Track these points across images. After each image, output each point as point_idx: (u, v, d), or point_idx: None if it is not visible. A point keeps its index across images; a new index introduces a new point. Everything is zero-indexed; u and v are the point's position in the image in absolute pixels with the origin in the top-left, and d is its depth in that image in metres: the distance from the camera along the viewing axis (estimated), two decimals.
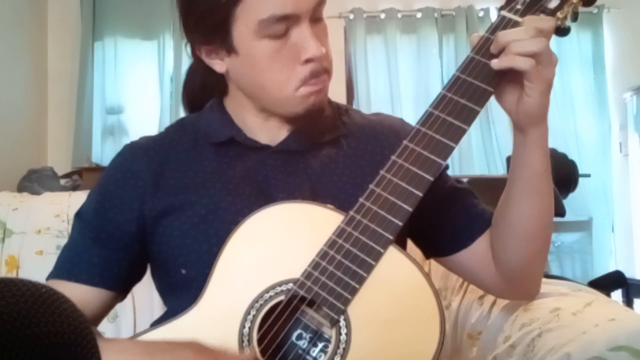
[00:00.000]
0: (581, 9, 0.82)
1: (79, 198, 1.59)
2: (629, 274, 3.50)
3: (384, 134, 0.86)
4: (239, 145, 0.92)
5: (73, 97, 3.74)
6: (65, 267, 0.91)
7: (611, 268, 3.80)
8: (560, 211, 2.99)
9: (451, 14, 3.94)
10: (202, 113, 0.98)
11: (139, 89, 3.83)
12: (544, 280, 1.31)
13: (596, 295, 1.15)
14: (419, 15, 3.94)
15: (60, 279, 0.90)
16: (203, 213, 0.87)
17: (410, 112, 3.88)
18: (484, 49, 0.78)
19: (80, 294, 0.88)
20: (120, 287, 0.93)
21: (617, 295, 3.44)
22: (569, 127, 3.88)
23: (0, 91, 3.26)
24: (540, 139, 0.80)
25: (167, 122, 3.71)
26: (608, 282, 3.34)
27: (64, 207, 1.55)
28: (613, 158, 3.91)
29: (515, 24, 0.78)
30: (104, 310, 0.93)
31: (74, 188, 3.05)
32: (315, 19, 0.86)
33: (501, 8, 0.81)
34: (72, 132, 3.70)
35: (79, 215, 0.94)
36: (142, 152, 0.93)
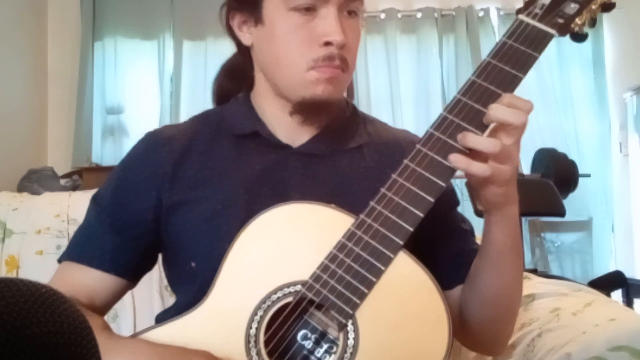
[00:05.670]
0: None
1: (79, 198, 1.59)
2: (629, 274, 3.50)
3: (408, 150, 0.86)
4: (260, 141, 0.92)
5: (73, 97, 3.74)
6: (78, 250, 0.91)
7: (611, 268, 3.80)
8: (560, 211, 2.99)
9: (451, 14, 3.94)
10: (228, 105, 0.98)
11: (139, 89, 3.83)
12: (544, 280, 1.31)
13: (596, 295, 1.15)
14: (419, 15, 3.94)
15: (72, 261, 0.91)
16: (218, 208, 0.87)
17: (410, 112, 3.88)
18: (500, 53, 0.77)
19: (91, 279, 0.89)
20: (131, 275, 0.93)
21: (617, 295, 3.45)
22: (569, 127, 3.88)
23: (0, 91, 3.26)
24: (503, 220, 0.80)
25: (167, 122, 3.73)
26: (608, 282, 3.34)
27: (64, 207, 1.54)
28: (613, 158, 3.91)
29: (533, 29, 0.77)
30: (114, 297, 0.93)
31: (74, 188, 3.05)
32: (349, 11, 0.87)
33: (519, 12, 0.80)
34: (72, 132, 3.70)
35: (95, 199, 0.94)
36: (165, 142, 0.93)
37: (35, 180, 3.08)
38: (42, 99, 3.74)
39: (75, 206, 1.55)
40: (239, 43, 0.94)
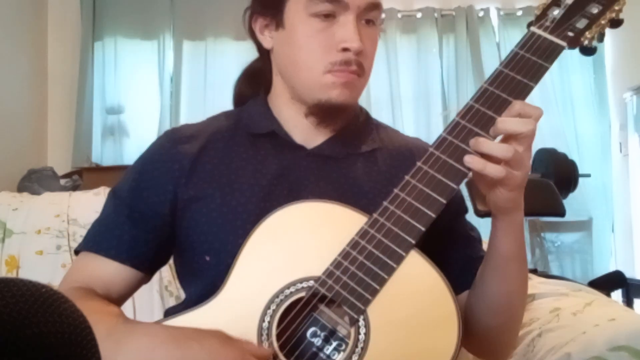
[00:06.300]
0: None
1: (79, 198, 1.59)
2: (629, 274, 3.50)
3: (419, 156, 0.87)
4: (275, 141, 0.94)
5: (73, 97, 3.74)
6: (96, 240, 0.93)
7: (611, 268, 3.80)
8: (560, 211, 2.99)
9: (451, 14, 3.94)
10: (245, 107, 1.01)
11: (139, 89, 3.83)
12: (544, 280, 1.31)
13: (596, 295, 1.15)
14: (419, 15, 3.94)
15: (90, 251, 0.93)
16: (233, 204, 0.89)
17: (410, 112, 3.88)
18: (513, 62, 0.80)
19: (108, 270, 0.91)
20: (146, 268, 0.94)
21: (617, 295, 3.45)
22: (569, 127, 3.88)
23: (0, 91, 3.26)
24: (510, 227, 0.82)
25: (167, 122, 3.74)
26: (608, 282, 3.35)
27: (64, 207, 1.55)
28: (613, 158, 3.91)
29: (544, 41, 0.80)
30: (129, 289, 0.94)
31: (74, 188, 3.05)
32: (367, 20, 0.90)
33: (530, 24, 0.83)
34: (72, 132, 3.70)
35: (114, 192, 0.97)
36: (184, 139, 0.95)
37: (35, 180, 3.08)
38: (42, 99, 3.74)
39: (75, 206, 1.55)
40: (259, 46, 0.97)
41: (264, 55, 0.98)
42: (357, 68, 0.88)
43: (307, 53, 0.88)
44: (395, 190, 0.78)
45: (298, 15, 0.89)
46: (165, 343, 0.75)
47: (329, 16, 0.87)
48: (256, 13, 0.95)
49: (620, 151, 3.86)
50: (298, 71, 0.90)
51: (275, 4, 0.91)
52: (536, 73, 0.79)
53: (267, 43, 0.95)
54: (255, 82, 1.02)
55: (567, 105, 3.90)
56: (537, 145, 3.52)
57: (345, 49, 0.87)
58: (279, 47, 0.93)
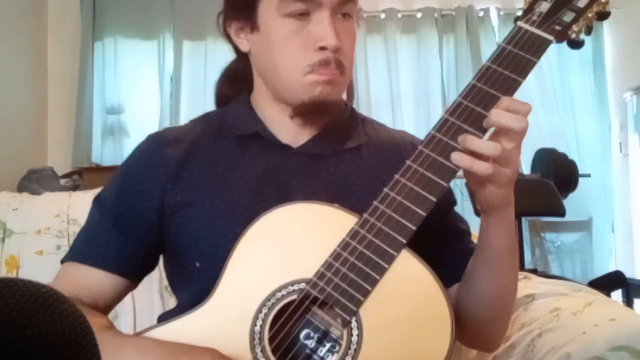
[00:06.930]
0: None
1: (79, 198, 1.59)
2: (629, 274, 3.50)
3: (406, 150, 0.86)
4: (261, 141, 0.93)
5: (73, 97, 3.74)
6: (82, 250, 0.92)
7: (611, 268, 3.80)
8: (560, 211, 2.99)
9: (451, 14, 3.94)
10: (228, 108, 0.99)
11: (139, 89, 3.83)
12: (544, 280, 1.31)
13: (596, 295, 1.15)
14: (419, 15, 3.95)
15: (76, 261, 0.91)
16: (222, 208, 0.88)
17: (410, 112, 3.88)
18: (500, 58, 0.79)
19: (95, 279, 0.89)
20: (134, 275, 0.93)
21: (617, 295, 3.45)
22: (569, 127, 3.88)
23: (0, 91, 3.26)
24: (501, 223, 0.81)
25: (167, 122, 3.74)
26: (608, 282, 3.35)
27: (64, 207, 1.54)
28: (613, 158, 3.91)
29: (532, 35, 0.79)
30: (116, 297, 0.93)
31: (74, 188, 3.05)
32: (343, 14, 0.88)
33: (517, 19, 0.82)
34: (72, 132, 3.70)
35: (98, 199, 0.95)
36: (168, 143, 0.94)
37: (35, 180, 3.08)
38: (42, 99, 3.74)
39: (75, 206, 1.55)
40: (237, 49, 0.96)
41: (243, 57, 0.96)
42: (336, 66, 0.87)
43: (285, 55, 0.87)
44: (385, 190, 0.78)
45: (271, 17, 0.87)
46: (158, 358, 0.75)
47: (303, 15, 0.86)
48: (230, 17, 0.93)
49: (620, 151, 3.87)
50: (278, 74, 0.89)
51: (248, 7, 0.89)
52: (524, 68, 0.78)
53: (243, 46, 0.94)
54: (236, 82, 1.01)
55: (567, 105, 3.90)
56: (537, 145, 3.53)
57: (322, 48, 0.85)
58: (256, 50, 0.92)
